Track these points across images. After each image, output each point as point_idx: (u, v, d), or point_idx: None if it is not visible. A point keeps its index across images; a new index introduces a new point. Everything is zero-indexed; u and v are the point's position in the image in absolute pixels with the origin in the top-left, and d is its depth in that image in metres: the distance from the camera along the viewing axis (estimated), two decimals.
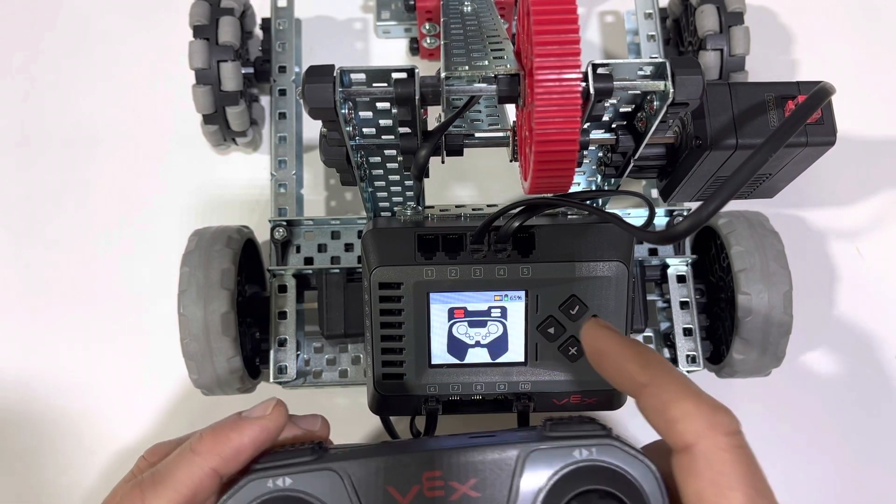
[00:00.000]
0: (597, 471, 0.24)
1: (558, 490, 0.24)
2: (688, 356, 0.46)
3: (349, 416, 0.49)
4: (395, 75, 0.29)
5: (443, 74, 0.29)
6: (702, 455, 0.23)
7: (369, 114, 0.31)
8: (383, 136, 0.33)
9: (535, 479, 0.24)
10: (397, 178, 0.37)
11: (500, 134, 0.36)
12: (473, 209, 0.46)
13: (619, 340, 0.27)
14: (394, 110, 0.31)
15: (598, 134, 0.34)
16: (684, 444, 0.23)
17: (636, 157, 0.34)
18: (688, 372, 0.46)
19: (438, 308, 0.36)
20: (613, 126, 0.34)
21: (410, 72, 0.29)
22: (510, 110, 0.36)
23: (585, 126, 0.32)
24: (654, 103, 0.30)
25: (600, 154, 0.36)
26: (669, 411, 0.24)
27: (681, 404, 0.24)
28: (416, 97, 0.29)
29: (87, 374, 0.50)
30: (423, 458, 0.25)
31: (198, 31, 0.48)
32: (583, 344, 0.28)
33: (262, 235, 0.50)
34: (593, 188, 0.40)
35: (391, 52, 0.58)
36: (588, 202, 0.34)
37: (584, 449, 0.24)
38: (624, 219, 0.31)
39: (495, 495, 0.24)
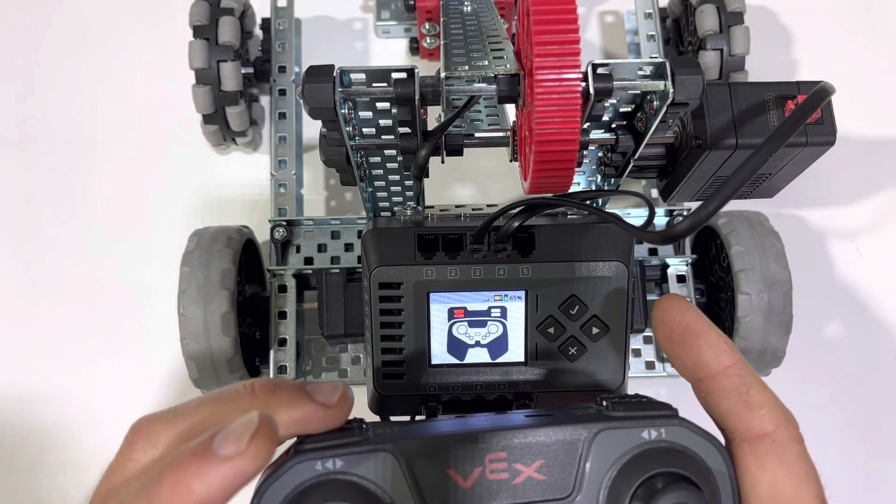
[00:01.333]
0: (667, 453, 0.23)
1: (628, 472, 0.23)
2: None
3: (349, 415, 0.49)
4: (394, 75, 0.29)
5: (443, 74, 0.29)
6: (780, 443, 0.23)
7: (369, 114, 0.31)
8: (383, 136, 0.33)
9: (603, 460, 0.23)
10: (397, 178, 0.37)
11: (500, 134, 0.36)
12: (473, 209, 0.46)
13: (705, 316, 0.26)
14: (394, 110, 0.31)
15: (597, 134, 0.34)
16: (762, 431, 0.23)
17: (636, 156, 0.34)
18: None
19: (438, 308, 0.36)
20: (613, 126, 0.34)
21: (410, 72, 0.29)
22: (510, 110, 0.36)
23: (585, 126, 0.32)
24: (654, 103, 0.30)
25: (600, 154, 0.36)
26: (753, 394, 0.23)
27: (764, 390, 0.24)
28: (416, 97, 0.29)
29: (87, 373, 0.50)
30: (486, 438, 0.23)
31: (198, 31, 0.48)
32: (662, 317, 0.26)
33: (262, 235, 0.50)
34: (593, 188, 0.40)
35: (391, 52, 0.58)
36: (588, 202, 0.34)
37: (652, 430, 0.23)
38: (624, 219, 0.31)
39: (561, 478, 0.23)
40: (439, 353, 0.36)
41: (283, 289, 0.46)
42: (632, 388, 0.33)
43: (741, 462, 0.23)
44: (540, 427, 0.23)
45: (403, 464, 0.22)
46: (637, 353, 0.48)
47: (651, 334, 0.48)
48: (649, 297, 0.48)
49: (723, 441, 0.24)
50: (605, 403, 0.25)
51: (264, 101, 0.56)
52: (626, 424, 0.23)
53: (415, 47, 0.57)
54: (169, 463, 0.21)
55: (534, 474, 0.23)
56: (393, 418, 0.36)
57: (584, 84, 0.28)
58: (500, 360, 0.36)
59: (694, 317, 0.25)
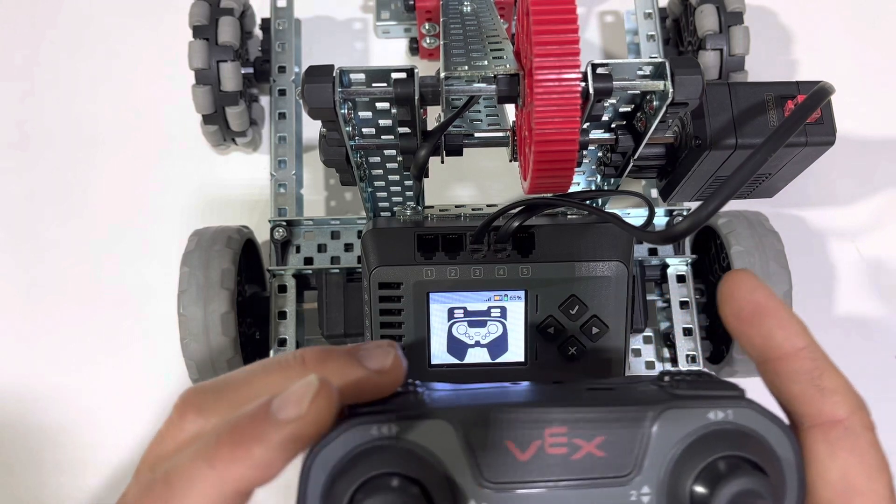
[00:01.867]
0: (733, 435, 0.22)
1: (691, 454, 0.22)
2: (688, 356, 0.46)
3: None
4: (394, 75, 0.29)
5: (442, 74, 0.29)
6: (852, 431, 0.22)
7: (369, 114, 0.31)
8: (383, 136, 0.33)
9: (667, 440, 0.22)
10: (397, 178, 0.37)
11: (500, 134, 0.36)
12: (473, 209, 0.46)
13: (776, 295, 0.24)
14: (393, 110, 0.31)
15: (597, 134, 0.34)
16: (835, 417, 0.22)
17: (636, 156, 0.34)
18: None
19: (438, 308, 0.36)
20: (613, 126, 0.34)
21: (410, 72, 0.29)
22: (510, 110, 0.36)
23: (585, 126, 0.32)
24: (654, 103, 0.30)
25: (600, 154, 0.36)
26: (826, 379, 0.23)
27: (838, 375, 0.23)
28: (416, 97, 0.29)
29: (87, 374, 0.50)
30: (547, 411, 0.22)
31: (197, 31, 0.48)
32: (731, 293, 0.24)
33: (262, 235, 0.50)
34: (593, 188, 0.40)
35: (391, 52, 0.58)
36: (588, 202, 0.34)
37: (719, 411, 0.22)
38: (623, 219, 0.31)
39: (621, 455, 0.22)
40: (439, 354, 0.36)
41: (282, 289, 0.46)
42: None
43: (810, 448, 0.22)
44: (602, 405, 0.23)
45: (461, 432, 0.22)
46: (637, 353, 0.48)
47: (651, 334, 0.48)
48: (649, 297, 0.48)
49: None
50: (667, 379, 0.24)
51: (264, 101, 0.56)
52: (691, 404, 0.22)
53: (414, 47, 0.57)
54: (228, 427, 0.21)
55: (594, 450, 0.22)
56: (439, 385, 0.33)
57: (583, 84, 0.28)
58: (499, 360, 0.36)
59: (765, 295, 0.24)
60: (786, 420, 0.23)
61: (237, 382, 0.23)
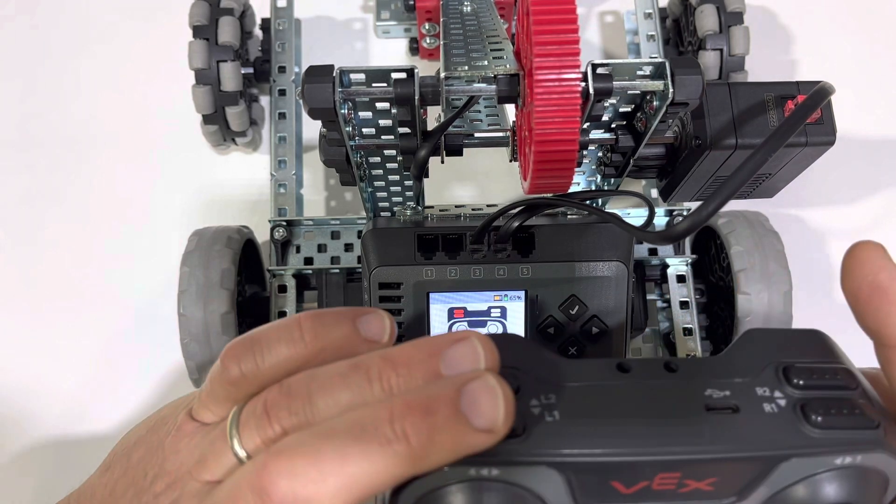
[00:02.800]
0: (851, 478, 0.21)
1: (801, 494, 0.21)
2: (687, 356, 0.46)
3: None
4: (394, 75, 0.29)
5: (442, 74, 0.29)
6: None
7: (369, 114, 0.31)
8: (383, 137, 0.33)
9: (781, 479, 0.21)
10: (397, 178, 0.37)
11: (500, 134, 0.36)
12: (473, 209, 0.46)
13: None
14: (393, 110, 0.31)
15: (597, 134, 0.34)
16: None
17: (636, 156, 0.34)
18: None
19: (438, 308, 0.36)
20: (613, 126, 0.34)
21: (410, 72, 0.29)
22: (510, 110, 0.36)
23: (585, 126, 0.32)
24: (654, 103, 0.30)
25: (600, 154, 0.36)
26: None
27: None
28: (416, 97, 0.29)
29: (87, 374, 0.50)
30: (663, 462, 0.20)
31: (197, 31, 0.48)
32: (853, 268, 0.22)
33: (262, 235, 0.50)
34: (593, 188, 0.40)
35: (391, 52, 0.58)
36: (588, 202, 0.34)
37: (849, 457, 0.20)
38: (624, 219, 0.31)
39: (730, 490, 0.21)
40: None
41: (282, 289, 0.46)
42: None
43: None
44: (723, 446, 0.20)
45: (566, 479, 0.20)
46: (637, 353, 0.48)
47: (651, 334, 0.48)
48: (649, 297, 0.48)
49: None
50: (800, 384, 0.21)
51: (264, 101, 0.56)
52: (822, 452, 0.20)
53: (414, 47, 0.57)
54: (289, 449, 0.19)
55: (703, 487, 0.21)
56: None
57: (583, 84, 0.28)
58: None
59: (889, 277, 0.22)
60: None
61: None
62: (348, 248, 0.47)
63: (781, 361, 0.22)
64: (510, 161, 0.35)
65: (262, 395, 0.23)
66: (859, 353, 0.25)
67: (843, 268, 0.23)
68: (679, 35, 0.54)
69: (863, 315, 0.22)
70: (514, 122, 0.35)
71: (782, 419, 0.21)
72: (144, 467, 0.25)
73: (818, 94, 0.30)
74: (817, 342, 0.23)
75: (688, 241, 0.49)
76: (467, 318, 0.36)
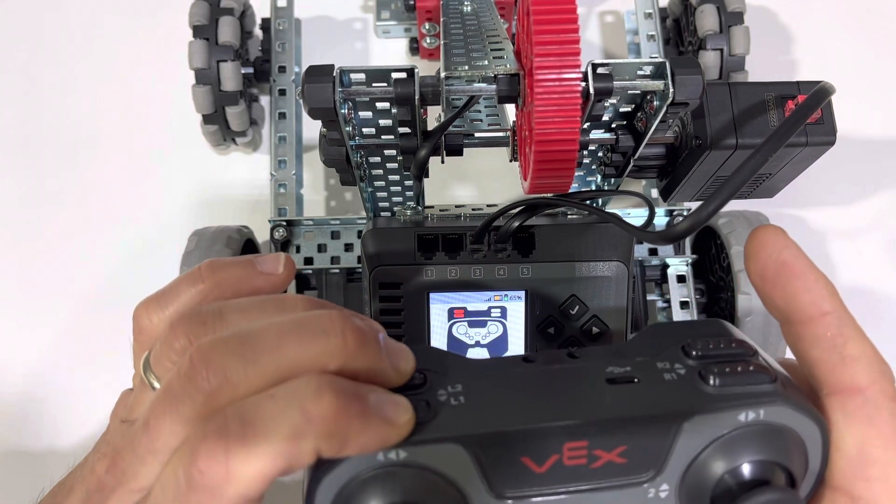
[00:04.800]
0: (761, 437, 0.21)
1: (716, 457, 0.21)
2: None
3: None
4: (394, 75, 0.29)
5: (442, 74, 0.29)
6: (872, 401, 0.21)
7: (369, 114, 0.31)
8: (383, 136, 0.33)
9: (692, 444, 0.21)
10: (397, 178, 0.37)
11: (500, 134, 0.36)
12: (473, 209, 0.46)
13: (805, 255, 0.23)
14: (393, 110, 0.31)
15: (597, 134, 0.34)
16: (855, 386, 0.21)
17: (636, 156, 0.34)
18: None
19: (438, 308, 0.36)
20: (613, 126, 0.34)
21: (410, 72, 0.29)
22: (510, 110, 0.36)
23: (585, 126, 0.32)
24: (654, 103, 0.30)
25: (600, 154, 0.36)
26: (849, 346, 0.21)
27: (862, 343, 0.22)
28: (416, 97, 0.29)
29: (87, 374, 0.50)
30: (566, 428, 0.21)
31: (197, 31, 0.48)
32: (757, 250, 0.23)
33: (262, 235, 0.50)
34: (593, 188, 0.40)
35: (391, 51, 0.58)
36: (588, 202, 0.34)
37: (751, 412, 0.21)
38: (624, 219, 0.31)
39: (643, 462, 0.21)
40: None
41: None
42: None
43: (829, 418, 0.21)
44: (625, 411, 0.21)
45: (473, 454, 0.20)
46: None
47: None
48: (649, 297, 0.48)
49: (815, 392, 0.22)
50: (695, 355, 0.22)
51: (264, 101, 0.56)
52: (722, 406, 0.21)
53: (415, 47, 0.57)
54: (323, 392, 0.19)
55: (614, 458, 0.21)
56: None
57: (584, 84, 0.28)
58: None
59: (792, 255, 0.22)
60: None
61: (267, 351, 0.20)
62: (348, 248, 0.47)
63: (681, 342, 0.23)
64: (510, 161, 0.35)
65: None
66: None
67: (747, 252, 0.23)
68: (679, 35, 0.54)
69: (770, 294, 0.23)
70: (514, 121, 0.35)
71: (681, 384, 0.22)
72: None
73: (818, 94, 0.30)
74: (719, 327, 0.24)
75: (688, 241, 0.49)
76: (467, 318, 0.36)
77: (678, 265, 0.47)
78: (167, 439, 0.21)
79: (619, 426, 0.21)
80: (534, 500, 0.21)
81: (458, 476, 0.20)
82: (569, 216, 0.39)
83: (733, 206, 0.46)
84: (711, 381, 0.21)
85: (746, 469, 0.21)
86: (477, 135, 0.36)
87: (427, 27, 0.54)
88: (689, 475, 0.21)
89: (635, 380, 0.22)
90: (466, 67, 0.30)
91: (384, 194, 0.39)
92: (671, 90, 0.29)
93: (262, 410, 0.19)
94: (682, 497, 0.21)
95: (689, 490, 0.21)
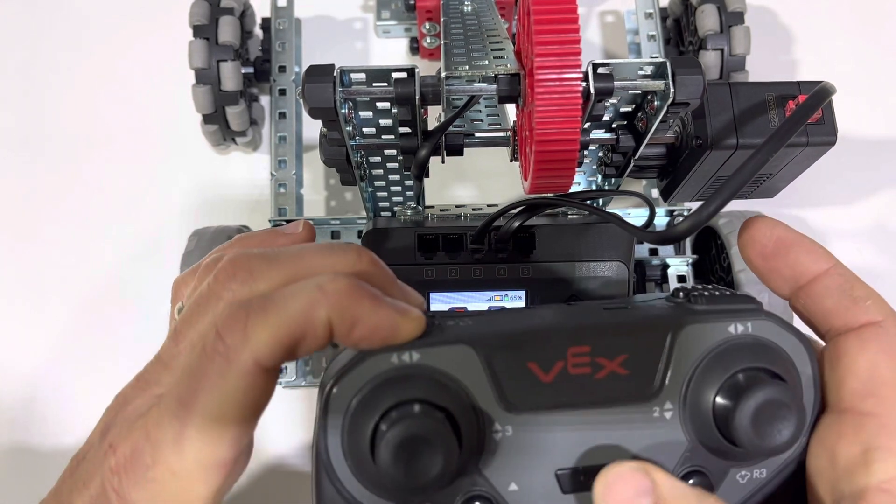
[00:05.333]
0: (753, 348, 0.22)
1: (713, 368, 0.22)
2: None
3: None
4: (395, 75, 0.29)
5: (443, 74, 0.29)
6: (886, 330, 0.22)
7: (369, 113, 0.31)
8: (383, 136, 0.33)
9: (688, 356, 0.22)
10: (397, 177, 0.37)
11: (501, 134, 0.36)
12: (473, 209, 0.46)
13: (795, 230, 0.25)
14: (394, 110, 0.31)
15: (598, 134, 0.34)
16: (869, 321, 0.23)
17: (636, 156, 0.34)
18: None
19: (438, 308, 0.36)
20: (614, 126, 0.33)
21: (410, 71, 0.29)
22: (510, 110, 0.36)
23: (586, 126, 0.32)
24: (655, 103, 0.30)
25: (601, 154, 0.36)
26: (857, 289, 0.23)
27: (866, 286, 0.23)
28: (417, 97, 0.29)
29: (85, 374, 0.50)
30: (569, 331, 0.22)
31: (198, 30, 0.48)
32: (752, 236, 0.25)
33: None
34: (593, 188, 0.40)
35: (391, 51, 0.58)
36: (588, 202, 0.34)
37: (739, 324, 0.22)
38: (624, 219, 0.31)
39: (645, 373, 0.22)
40: None
41: None
42: None
43: (840, 348, 0.23)
44: (626, 323, 0.23)
45: (482, 356, 0.21)
46: None
47: None
48: None
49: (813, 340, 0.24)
50: (682, 296, 0.24)
51: (264, 100, 0.55)
52: (711, 319, 0.22)
53: (415, 47, 0.57)
54: (336, 281, 0.21)
55: (617, 369, 0.22)
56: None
57: (584, 84, 0.28)
58: None
59: (784, 229, 0.25)
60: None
61: (289, 256, 0.23)
62: None
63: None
64: (510, 161, 0.35)
65: None
66: None
67: (742, 242, 0.25)
68: (680, 35, 0.54)
69: (776, 268, 0.25)
70: (514, 121, 0.35)
71: (673, 306, 0.24)
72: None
73: (819, 94, 0.30)
74: None
75: (688, 242, 0.49)
76: None
77: (679, 265, 0.47)
78: (192, 337, 0.23)
79: (618, 331, 0.22)
80: (542, 413, 0.22)
81: (469, 381, 0.21)
82: (569, 216, 0.39)
83: (734, 206, 0.46)
84: (700, 302, 0.23)
85: (742, 378, 0.22)
86: (477, 135, 0.36)
87: (427, 27, 0.54)
88: (689, 395, 0.22)
89: (630, 306, 0.24)
90: (467, 67, 0.30)
91: (384, 194, 0.39)
92: (672, 90, 0.29)
93: (283, 292, 0.21)
94: (687, 420, 0.22)
95: (692, 409, 0.22)
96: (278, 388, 0.46)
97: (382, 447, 0.19)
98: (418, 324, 0.22)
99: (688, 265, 0.47)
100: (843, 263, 0.24)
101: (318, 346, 0.21)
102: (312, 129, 0.53)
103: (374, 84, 0.29)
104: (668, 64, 0.29)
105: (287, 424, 0.47)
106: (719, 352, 0.22)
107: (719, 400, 0.22)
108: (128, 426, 0.23)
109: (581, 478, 0.22)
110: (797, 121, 0.28)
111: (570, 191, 0.32)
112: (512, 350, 0.22)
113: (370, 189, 0.38)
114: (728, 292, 0.24)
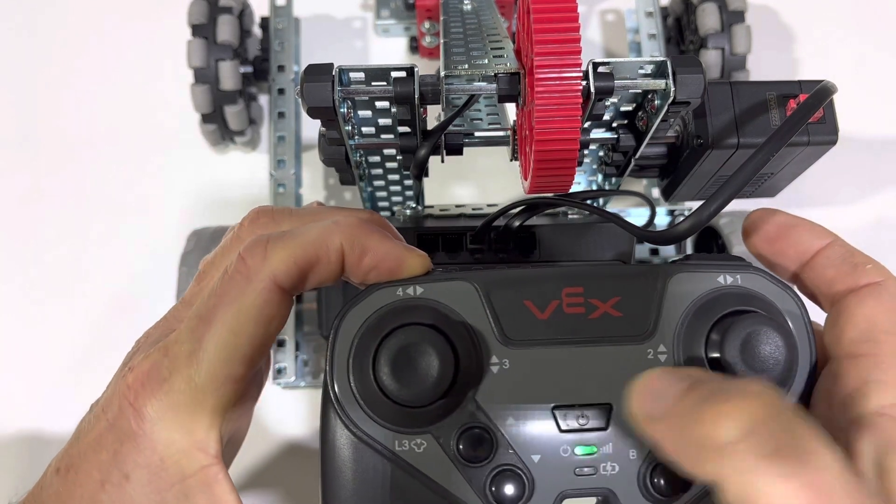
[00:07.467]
0: (742, 296, 0.23)
1: (704, 311, 0.23)
2: None
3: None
4: (394, 74, 0.29)
5: (442, 73, 0.29)
6: (885, 288, 0.23)
7: (368, 113, 0.31)
8: (382, 136, 0.33)
9: (680, 300, 0.23)
10: (397, 177, 0.37)
11: (500, 133, 0.35)
12: (473, 209, 0.46)
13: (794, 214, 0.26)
14: (393, 109, 0.31)
15: (598, 133, 0.34)
16: (869, 282, 0.24)
17: (637, 156, 0.34)
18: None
19: None
20: (614, 125, 0.33)
21: (410, 70, 0.29)
22: (510, 109, 0.36)
23: (586, 125, 0.32)
24: (656, 102, 0.30)
25: (601, 153, 0.36)
26: (857, 257, 0.25)
27: (865, 255, 0.25)
28: (416, 96, 0.29)
29: (86, 374, 0.50)
30: (564, 273, 0.24)
31: (196, 29, 0.48)
32: (755, 224, 0.26)
33: None
34: (594, 188, 0.40)
35: (390, 50, 0.58)
36: (589, 202, 0.34)
37: (728, 275, 0.24)
38: (625, 219, 0.31)
39: (638, 316, 0.23)
40: None
41: None
42: None
43: (841, 306, 0.24)
44: (617, 270, 0.24)
45: (482, 291, 0.23)
46: None
47: None
48: None
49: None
50: (675, 262, 0.25)
51: (263, 100, 0.55)
52: (702, 268, 0.24)
53: (414, 46, 0.56)
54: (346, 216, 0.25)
55: (610, 310, 0.23)
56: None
57: (584, 83, 0.28)
58: None
59: (785, 215, 0.26)
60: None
61: (307, 209, 0.27)
62: None
63: None
64: (510, 160, 0.35)
65: None
66: None
67: (746, 232, 0.27)
68: (680, 34, 0.54)
69: (781, 250, 0.26)
70: (514, 121, 0.35)
71: (665, 263, 0.25)
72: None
73: (820, 94, 0.30)
74: None
75: (689, 241, 0.48)
76: None
77: None
78: (215, 275, 0.25)
79: (612, 275, 0.24)
80: (537, 347, 0.23)
81: (469, 314, 0.23)
82: (570, 216, 0.39)
83: (735, 205, 0.45)
84: (692, 261, 0.25)
85: (733, 317, 0.22)
86: (477, 134, 0.35)
87: (427, 26, 0.54)
88: (682, 337, 0.23)
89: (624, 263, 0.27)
90: (466, 66, 0.29)
91: (384, 194, 0.39)
92: (672, 89, 0.29)
93: (301, 227, 0.24)
94: (681, 361, 0.23)
95: (685, 350, 0.23)
96: (278, 389, 0.46)
97: (382, 358, 0.21)
98: (423, 261, 0.24)
99: None
100: (843, 239, 0.25)
101: (330, 274, 0.24)
102: (311, 128, 0.53)
103: (373, 83, 0.29)
104: (668, 63, 0.29)
105: (287, 425, 0.47)
106: (711, 298, 0.23)
107: (713, 336, 0.22)
108: (146, 349, 0.25)
109: (579, 418, 0.23)
110: (798, 120, 0.28)
111: (571, 190, 0.31)
112: (509, 288, 0.23)
113: (369, 189, 0.38)
114: (720, 254, 0.25)
